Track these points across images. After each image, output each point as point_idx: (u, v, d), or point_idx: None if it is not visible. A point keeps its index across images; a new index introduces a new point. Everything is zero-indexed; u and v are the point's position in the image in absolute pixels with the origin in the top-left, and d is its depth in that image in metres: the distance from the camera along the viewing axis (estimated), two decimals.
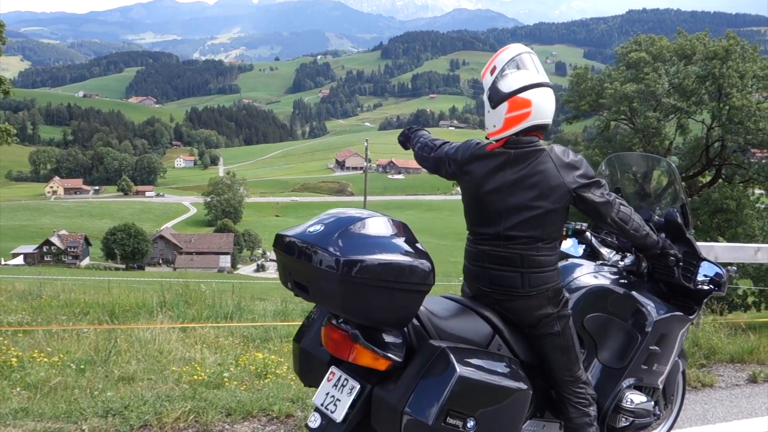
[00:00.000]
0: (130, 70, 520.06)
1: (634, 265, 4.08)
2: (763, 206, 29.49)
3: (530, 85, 3.33)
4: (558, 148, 3.36)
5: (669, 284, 4.05)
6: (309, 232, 2.87)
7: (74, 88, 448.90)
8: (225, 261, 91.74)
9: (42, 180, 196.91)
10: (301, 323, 3.57)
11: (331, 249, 2.72)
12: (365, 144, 38.09)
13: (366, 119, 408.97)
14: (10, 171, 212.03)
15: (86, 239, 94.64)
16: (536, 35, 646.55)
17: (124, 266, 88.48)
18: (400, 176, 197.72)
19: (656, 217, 4.19)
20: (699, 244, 4.20)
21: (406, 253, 2.86)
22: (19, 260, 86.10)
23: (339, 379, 3.12)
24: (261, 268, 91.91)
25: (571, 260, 4.22)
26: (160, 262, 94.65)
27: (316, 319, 3.44)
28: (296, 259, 2.87)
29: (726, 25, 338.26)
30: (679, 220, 4.04)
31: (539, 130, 3.37)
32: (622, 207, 3.40)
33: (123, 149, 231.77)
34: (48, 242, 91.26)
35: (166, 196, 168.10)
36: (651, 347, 3.86)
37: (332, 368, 3.17)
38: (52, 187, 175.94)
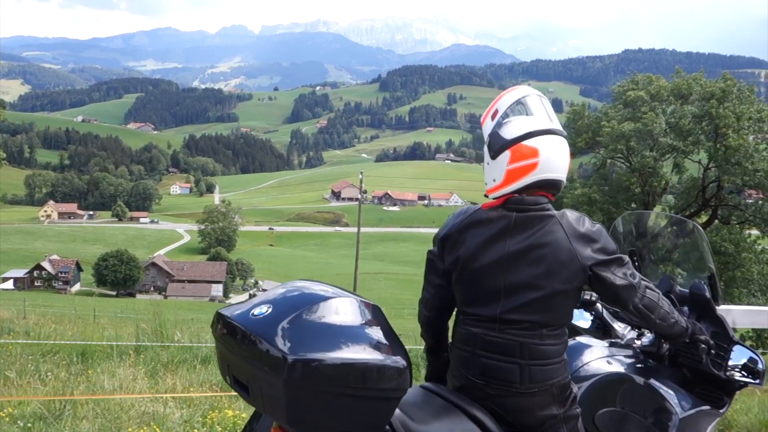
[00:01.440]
0: (130, 97, 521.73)
1: (653, 346, 3.44)
2: (759, 248, 29.06)
3: (539, 131, 2.82)
4: (571, 215, 2.77)
5: (694, 370, 3.36)
6: (253, 315, 2.25)
7: (73, 113, 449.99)
8: (217, 290, 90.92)
9: (37, 204, 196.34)
10: None
11: (277, 342, 2.13)
12: (360, 176, 37.74)
13: (363, 150, 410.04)
14: (5, 194, 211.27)
15: (78, 265, 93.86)
16: (533, 72, 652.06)
17: (114, 293, 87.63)
18: (396, 208, 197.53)
19: (678, 287, 3.49)
20: None
21: (377, 348, 2.29)
22: (9, 284, 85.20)
23: None
24: (253, 297, 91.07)
25: (578, 339, 3.52)
26: (152, 289, 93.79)
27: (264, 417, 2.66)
28: (234, 351, 2.27)
29: (721, 67, 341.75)
30: (707, 293, 3.35)
31: (548, 188, 2.84)
32: (647, 291, 2.77)
33: (119, 175, 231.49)
34: (39, 267, 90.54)
35: (161, 222, 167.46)
36: None
37: None
38: (46, 211, 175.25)
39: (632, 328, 3.58)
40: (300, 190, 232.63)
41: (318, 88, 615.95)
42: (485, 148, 2.98)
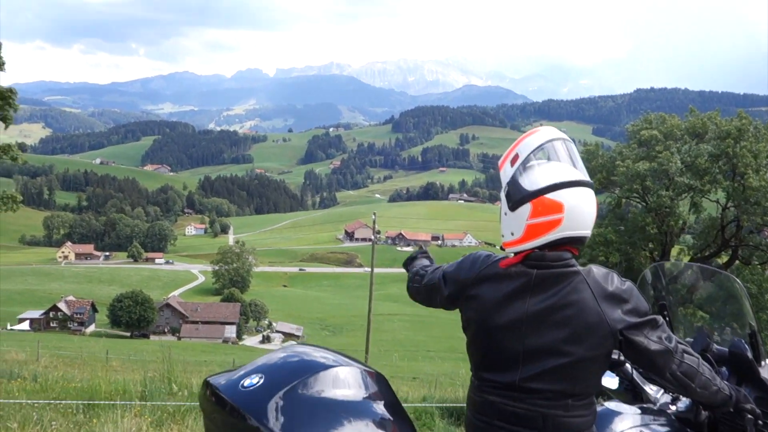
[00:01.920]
0: (147, 139, 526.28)
1: (690, 413, 3.01)
2: None
3: (564, 182, 2.46)
4: (598, 271, 2.46)
5: None
6: (243, 386, 2.01)
7: (92, 155, 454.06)
8: (230, 331, 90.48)
9: (54, 245, 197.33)
10: None
11: (269, 419, 1.89)
12: (373, 216, 37.50)
13: (376, 191, 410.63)
14: (23, 235, 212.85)
15: (93, 305, 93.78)
16: (545, 111, 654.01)
17: (129, 334, 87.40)
18: (409, 248, 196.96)
19: (715, 346, 3.09)
20: None
21: (381, 425, 2.05)
22: (25, 326, 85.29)
23: None
24: (266, 339, 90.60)
25: (606, 404, 3.07)
26: (166, 330, 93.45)
27: None
28: (220, 426, 2.04)
29: (735, 105, 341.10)
30: (749, 353, 2.92)
31: (573, 243, 2.52)
32: (686, 356, 2.47)
33: (135, 216, 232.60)
34: (55, 308, 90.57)
35: (176, 263, 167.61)
36: None
37: None
38: (63, 252, 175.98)
39: (666, 392, 3.19)
40: (313, 231, 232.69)
41: (331, 129, 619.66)
42: (503, 196, 2.63)
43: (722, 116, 30.72)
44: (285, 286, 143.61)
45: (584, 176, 2.51)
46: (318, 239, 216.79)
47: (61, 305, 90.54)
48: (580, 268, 2.47)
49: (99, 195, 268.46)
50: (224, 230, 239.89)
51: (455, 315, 2.57)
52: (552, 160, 2.54)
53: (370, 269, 35.22)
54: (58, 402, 8.04)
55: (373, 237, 38.01)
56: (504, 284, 2.54)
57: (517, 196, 2.51)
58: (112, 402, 7.98)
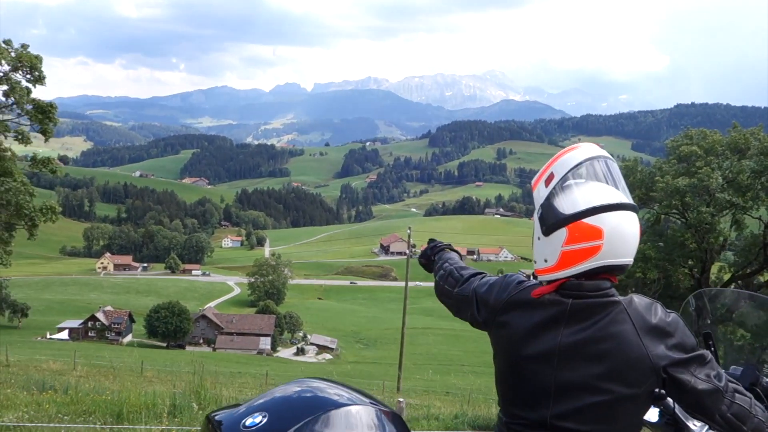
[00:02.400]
0: (186, 152, 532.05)
1: None
2: None
3: (605, 205, 2.20)
4: (640, 302, 2.22)
5: None
6: (245, 426, 1.86)
7: (132, 168, 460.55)
8: (265, 343, 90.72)
9: (94, 255, 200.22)
10: None
11: None
12: (408, 230, 37.38)
13: (412, 205, 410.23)
14: (64, 246, 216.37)
15: (130, 316, 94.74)
16: (583, 127, 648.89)
17: (165, 344, 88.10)
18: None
19: (765, 379, 2.73)
20: None
21: None
22: (64, 335, 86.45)
23: None
24: (301, 351, 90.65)
25: None
26: (201, 341, 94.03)
27: None
28: None
29: None
30: None
31: (613, 271, 2.27)
32: (737, 395, 2.22)
33: (173, 228, 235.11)
34: (93, 318, 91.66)
35: (212, 275, 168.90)
36: None
37: None
38: (102, 263, 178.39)
39: (711, 428, 2.77)
40: (349, 244, 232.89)
41: (368, 143, 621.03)
42: (536, 219, 2.38)
43: (765, 132, 30.12)
44: (320, 298, 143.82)
45: (627, 199, 2.26)
46: (353, 252, 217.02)
47: (99, 315, 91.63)
48: (620, 297, 2.24)
49: (138, 207, 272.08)
50: (260, 243, 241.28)
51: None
52: (591, 180, 2.29)
53: (404, 283, 35.09)
54: (83, 421, 8.00)
55: (408, 251, 37.89)
56: (536, 313, 2.32)
57: (552, 220, 2.27)
58: (142, 414, 7.93)
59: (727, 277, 30.37)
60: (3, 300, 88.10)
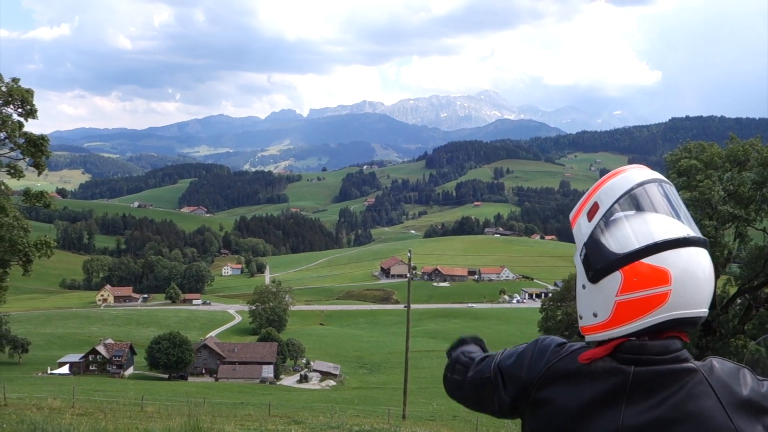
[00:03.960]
0: (184, 182, 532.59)
1: None
2: None
3: (669, 241, 1.72)
4: (723, 368, 1.74)
5: None
6: None
7: (130, 199, 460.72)
8: (268, 371, 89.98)
9: (94, 288, 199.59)
10: None
11: None
12: (408, 253, 37.04)
13: (411, 227, 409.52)
14: (64, 279, 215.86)
15: (131, 348, 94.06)
16: (579, 143, 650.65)
17: (167, 376, 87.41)
18: (446, 284, 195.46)
19: None
20: None
21: None
22: (65, 369, 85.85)
23: None
24: (304, 378, 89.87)
25: None
26: (203, 371, 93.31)
27: None
28: None
29: None
30: None
31: (683, 327, 1.76)
32: None
33: (173, 258, 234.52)
34: (94, 351, 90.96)
35: (213, 304, 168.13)
36: None
37: None
38: (102, 295, 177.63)
39: None
40: (349, 268, 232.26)
41: (365, 167, 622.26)
42: (578, 262, 1.89)
43: (764, 143, 29.96)
44: (322, 324, 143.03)
45: (695, 231, 1.77)
46: (354, 276, 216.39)
47: (100, 348, 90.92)
48: (696, 363, 1.75)
49: (137, 238, 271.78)
50: (260, 270, 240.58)
51: (495, 348, 2.06)
52: (646, 210, 1.82)
53: (406, 306, 34.68)
54: None
55: (408, 273, 37.53)
56: (586, 386, 1.80)
57: (601, 263, 1.78)
58: None
59: (733, 290, 30.04)
60: (3, 336, 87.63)
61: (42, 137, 27.36)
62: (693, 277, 1.69)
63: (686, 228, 1.76)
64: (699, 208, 28.00)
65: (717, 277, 28.52)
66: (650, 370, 1.72)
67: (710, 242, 27.10)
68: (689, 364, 1.72)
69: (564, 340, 2.00)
